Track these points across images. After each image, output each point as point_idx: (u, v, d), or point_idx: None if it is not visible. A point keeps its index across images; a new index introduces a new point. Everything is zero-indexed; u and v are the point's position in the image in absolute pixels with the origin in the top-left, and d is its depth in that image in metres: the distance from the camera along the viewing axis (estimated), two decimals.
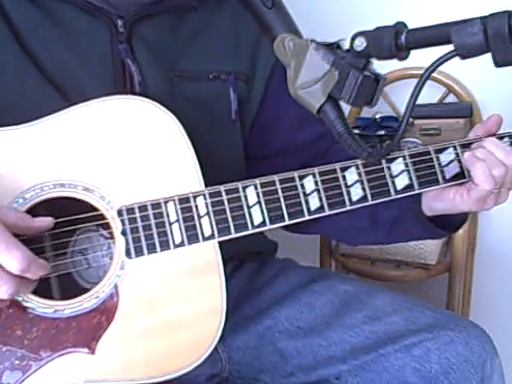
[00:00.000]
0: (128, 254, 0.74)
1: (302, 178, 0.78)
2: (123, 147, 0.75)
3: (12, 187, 0.72)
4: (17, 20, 0.80)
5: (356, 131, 1.60)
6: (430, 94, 1.66)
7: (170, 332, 0.75)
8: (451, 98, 1.67)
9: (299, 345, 0.93)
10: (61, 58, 0.81)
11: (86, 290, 0.74)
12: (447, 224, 0.89)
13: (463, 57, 0.60)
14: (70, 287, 0.77)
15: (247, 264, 1.04)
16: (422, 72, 0.63)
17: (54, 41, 0.81)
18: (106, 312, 0.73)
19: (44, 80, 0.79)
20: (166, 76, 0.86)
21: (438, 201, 0.84)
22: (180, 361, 0.74)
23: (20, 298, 0.71)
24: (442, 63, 0.61)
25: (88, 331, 0.72)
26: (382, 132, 1.59)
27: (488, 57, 0.58)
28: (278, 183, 0.78)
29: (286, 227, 1.04)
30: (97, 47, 0.82)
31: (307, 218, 0.79)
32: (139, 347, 0.74)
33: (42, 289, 0.73)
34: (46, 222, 0.71)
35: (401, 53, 0.63)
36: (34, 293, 0.72)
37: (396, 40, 0.62)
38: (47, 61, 0.80)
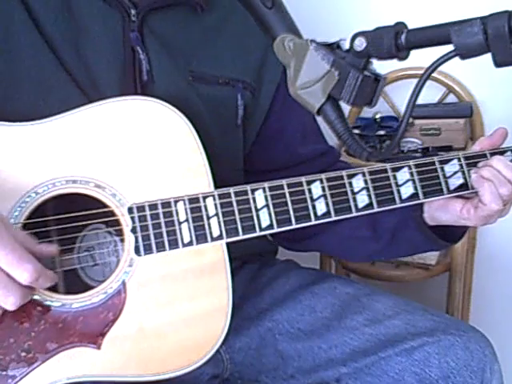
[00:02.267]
0: (137, 251, 0.74)
1: (309, 183, 0.79)
2: (135, 146, 0.76)
3: (25, 181, 0.73)
4: (36, 7, 0.81)
5: (356, 131, 1.60)
6: (430, 94, 1.66)
7: (175, 330, 0.75)
8: (451, 98, 1.67)
9: (300, 347, 0.93)
10: (75, 44, 0.82)
11: (90, 288, 0.74)
12: (448, 234, 0.89)
13: (463, 57, 0.60)
14: (75, 284, 0.77)
15: (248, 265, 1.05)
16: (422, 72, 0.63)
17: (69, 28, 0.82)
18: (113, 308, 0.73)
19: (59, 66, 0.80)
20: (178, 71, 0.87)
21: (444, 212, 0.85)
22: (184, 359, 0.75)
23: None
24: (442, 63, 0.61)
25: (94, 326, 0.73)
26: (382, 132, 1.59)
27: (488, 57, 0.58)
28: (285, 187, 0.78)
29: (289, 245, 1.06)
30: (109, 33, 0.83)
31: (314, 222, 0.79)
32: (144, 344, 0.74)
33: None
34: (50, 248, 0.71)
35: (401, 53, 0.63)
36: None
37: (396, 40, 0.62)
38: (63, 47, 0.81)
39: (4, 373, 0.70)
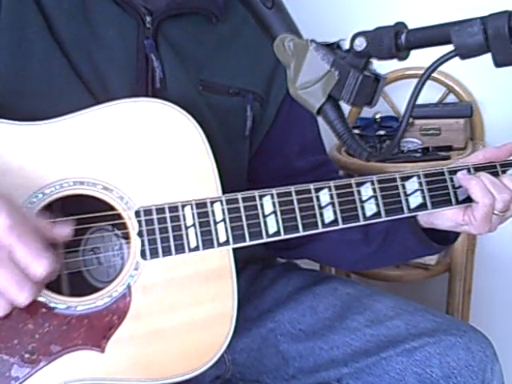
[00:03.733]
0: (143, 255, 0.74)
1: (317, 190, 0.79)
2: (144, 149, 0.76)
3: (33, 182, 0.73)
4: (50, 9, 0.80)
5: (356, 131, 1.60)
6: (430, 94, 1.66)
7: (179, 335, 0.75)
8: (451, 98, 1.67)
9: (301, 348, 0.93)
10: (88, 49, 0.81)
11: (94, 288, 0.74)
12: (442, 238, 0.88)
13: (463, 57, 0.59)
14: (80, 284, 0.77)
15: (249, 266, 1.05)
16: (422, 72, 0.62)
17: (83, 32, 0.82)
18: (117, 311, 0.73)
19: (70, 70, 0.80)
20: (189, 80, 0.86)
21: (444, 220, 0.84)
22: (187, 364, 0.75)
23: None
24: (442, 63, 0.61)
25: (99, 329, 0.72)
26: (382, 132, 1.59)
27: (488, 57, 0.58)
28: (294, 194, 0.78)
29: (281, 253, 1.05)
30: (123, 39, 0.83)
31: (321, 230, 0.79)
32: (148, 348, 0.74)
33: (52, 284, 0.72)
34: (65, 233, 0.69)
35: (401, 53, 0.63)
36: (47, 287, 0.72)
37: (396, 40, 0.62)
38: (75, 51, 0.81)
39: (8, 374, 0.70)
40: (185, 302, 0.75)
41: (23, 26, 0.79)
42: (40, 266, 0.63)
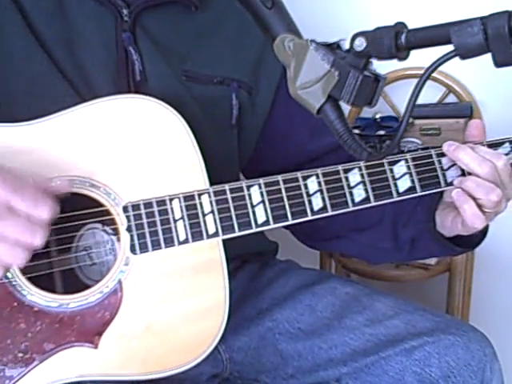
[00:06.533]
0: (133, 250, 0.74)
1: (305, 178, 0.79)
2: (130, 145, 0.76)
3: None
4: (29, 8, 0.80)
5: (356, 131, 1.60)
6: (430, 94, 1.66)
7: (172, 328, 0.75)
8: (451, 98, 1.67)
9: (300, 347, 0.93)
10: (70, 46, 0.82)
11: (87, 287, 0.74)
12: (467, 241, 0.88)
13: (463, 57, 0.59)
14: (73, 283, 0.77)
15: (248, 265, 1.04)
16: (422, 72, 0.62)
17: (63, 29, 0.82)
18: (109, 307, 0.73)
19: (52, 68, 0.80)
20: (171, 71, 0.86)
21: (443, 228, 0.85)
22: (181, 357, 0.75)
23: (25, 292, 0.72)
24: (442, 63, 0.61)
25: (91, 326, 0.73)
26: (382, 132, 1.59)
27: (488, 57, 0.58)
28: (281, 183, 0.79)
29: (310, 243, 1.06)
30: (102, 34, 0.83)
31: (310, 217, 0.79)
32: (142, 343, 0.74)
33: (46, 283, 0.73)
34: (63, 186, 0.70)
35: (401, 53, 0.63)
36: (39, 287, 0.72)
37: (396, 40, 0.62)
38: (57, 49, 0.81)
39: (1, 373, 0.70)
40: (176, 295, 0.76)
41: (1, 26, 0.79)
42: (42, 211, 0.64)
